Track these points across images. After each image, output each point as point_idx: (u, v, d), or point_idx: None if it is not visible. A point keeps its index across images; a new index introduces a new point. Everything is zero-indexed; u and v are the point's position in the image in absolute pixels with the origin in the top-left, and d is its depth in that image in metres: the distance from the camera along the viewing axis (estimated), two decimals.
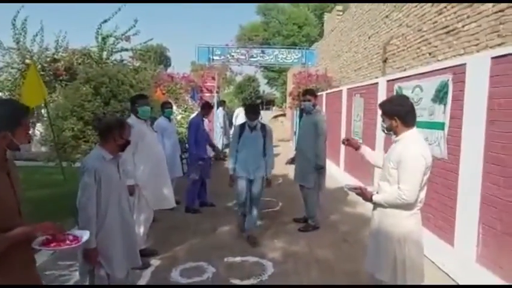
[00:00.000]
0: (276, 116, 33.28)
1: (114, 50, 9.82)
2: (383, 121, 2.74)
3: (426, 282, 2.75)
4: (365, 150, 3.14)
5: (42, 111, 7.58)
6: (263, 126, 4.84)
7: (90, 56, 9.27)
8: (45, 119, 6.64)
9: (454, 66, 3.90)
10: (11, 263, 1.83)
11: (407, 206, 2.56)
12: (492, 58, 3.28)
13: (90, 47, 9.59)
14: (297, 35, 34.41)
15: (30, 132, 2.06)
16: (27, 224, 1.90)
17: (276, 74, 37.85)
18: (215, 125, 11.70)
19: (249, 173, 4.76)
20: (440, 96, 4.11)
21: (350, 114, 8.05)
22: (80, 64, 8.90)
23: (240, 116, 15.08)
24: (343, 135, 8.55)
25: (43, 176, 7.68)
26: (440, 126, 4.05)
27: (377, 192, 2.78)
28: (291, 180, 8.68)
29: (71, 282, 3.72)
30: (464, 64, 3.68)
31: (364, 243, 4.91)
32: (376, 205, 2.74)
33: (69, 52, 9.34)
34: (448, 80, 3.96)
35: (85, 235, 2.25)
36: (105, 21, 9.57)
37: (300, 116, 14.78)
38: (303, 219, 5.60)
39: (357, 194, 2.85)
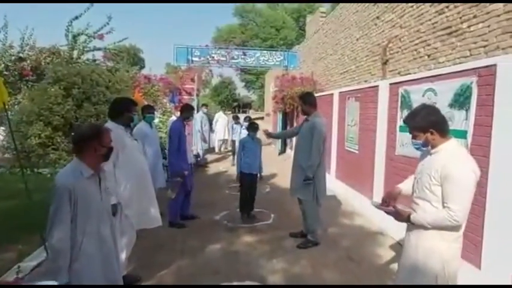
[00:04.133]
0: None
1: (86, 49, 9.28)
2: (414, 138, 2.41)
3: None
4: (402, 189, 2.69)
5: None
6: None
7: (59, 55, 8.66)
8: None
9: (479, 68, 3.50)
10: None
11: (455, 228, 2.25)
12: None
13: (60, 46, 9.02)
14: (274, 38, 34.21)
15: None
16: None
17: (253, 76, 37.55)
18: (194, 129, 11.06)
19: None
20: (460, 101, 3.71)
21: (343, 120, 7.63)
22: (48, 63, 8.27)
23: (219, 121, 14.56)
24: (334, 141, 8.15)
25: (5, 184, 6.81)
26: (461, 134, 3.64)
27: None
28: (281, 188, 8.24)
29: None
30: (494, 65, 3.28)
31: (371, 262, 4.52)
32: (414, 226, 2.37)
33: (36, 50, 8.74)
34: (471, 83, 3.56)
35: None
36: (76, 18, 9.04)
37: (284, 120, 14.47)
38: (300, 234, 5.12)
39: (387, 212, 2.51)
